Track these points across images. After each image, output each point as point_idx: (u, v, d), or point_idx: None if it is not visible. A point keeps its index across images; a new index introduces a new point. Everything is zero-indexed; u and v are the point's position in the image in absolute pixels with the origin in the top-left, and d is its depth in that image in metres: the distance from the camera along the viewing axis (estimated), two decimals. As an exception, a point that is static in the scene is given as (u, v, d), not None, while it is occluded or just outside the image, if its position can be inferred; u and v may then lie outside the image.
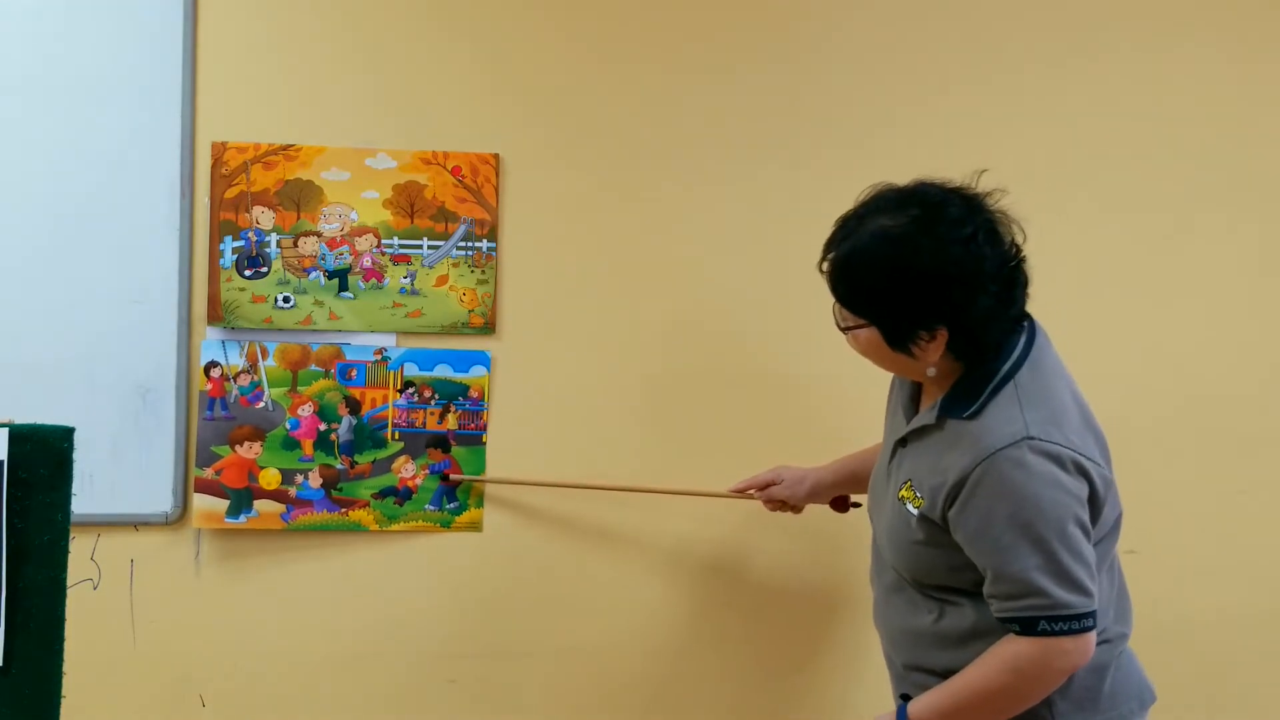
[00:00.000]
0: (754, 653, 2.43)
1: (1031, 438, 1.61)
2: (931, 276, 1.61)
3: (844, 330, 1.73)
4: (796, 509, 2.21)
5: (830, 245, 1.69)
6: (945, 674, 1.74)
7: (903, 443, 1.79)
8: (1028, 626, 1.63)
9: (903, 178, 1.71)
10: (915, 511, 1.72)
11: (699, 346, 2.40)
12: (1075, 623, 1.62)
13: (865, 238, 1.65)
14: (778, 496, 2.19)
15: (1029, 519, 1.60)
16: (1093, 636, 1.65)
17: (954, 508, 1.65)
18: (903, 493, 1.75)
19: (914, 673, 1.82)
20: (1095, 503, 1.66)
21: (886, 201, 1.68)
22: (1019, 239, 1.68)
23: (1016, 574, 1.62)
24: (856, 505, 2.20)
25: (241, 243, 2.31)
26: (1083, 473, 1.64)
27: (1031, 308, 1.70)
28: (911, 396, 1.81)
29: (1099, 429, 1.73)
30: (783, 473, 2.20)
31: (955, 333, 1.65)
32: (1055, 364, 1.75)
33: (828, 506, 2.22)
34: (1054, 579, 1.61)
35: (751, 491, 2.22)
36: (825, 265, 1.70)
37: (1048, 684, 1.66)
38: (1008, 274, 1.66)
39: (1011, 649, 1.65)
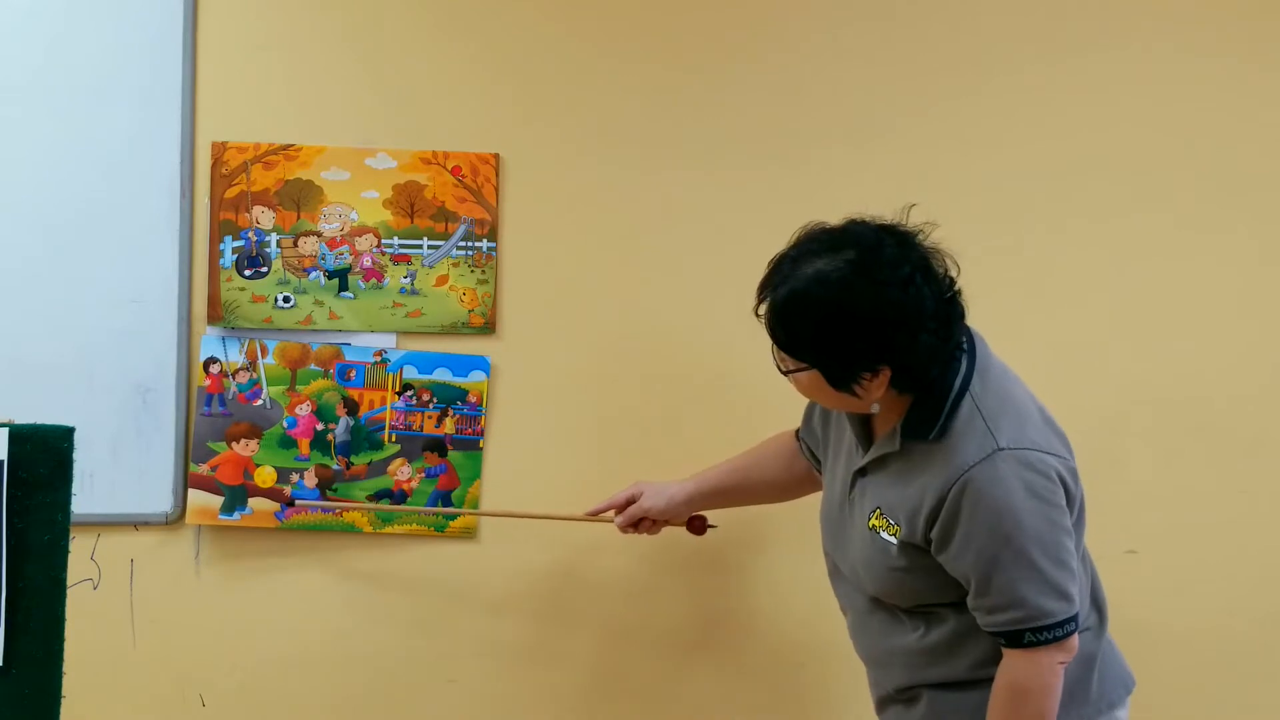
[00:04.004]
0: (751, 654, 2.42)
1: (1002, 448, 1.62)
2: (871, 320, 1.61)
3: (784, 374, 1.71)
4: (653, 529, 2.13)
5: (765, 289, 1.68)
6: (941, 686, 1.75)
7: (862, 472, 1.78)
8: (1013, 639, 1.64)
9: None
10: (894, 540, 1.71)
11: (700, 347, 2.39)
12: (1059, 629, 1.64)
13: (801, 282, 1.63)
14: (636, 514, 2.08)
15: (1009, 532, 1.61)
16: (1076, 637, 1.67)
17: (935, 528, 1.66)
18: (873, 521, 1.74)
19: (904, 691, 1.81)
20: (1070, 499, 1.68)
21: (820, 244, 1.66)
22: (953, 272, 1.67)
23: (1001, 587, 1.63)
24: (713, 527, 2.14)
25: (241, 242, 2.31)
26: (1056, 473, 1.65)
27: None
28: (864, 424, 1.79)
29: (1053, 419, 1.74)
30: (642, 487, 2.11)
31: (898, 370, 1.64)
32: (1000, 365, 1.75)
33: (685, 529, 2.14)
34: (1038, 589, 1.62)
35: (611, 514, 2.13)
36: (761, 309, 1.68)
37: (1052, 689, 1.67)
38: (945, 310, 1.65)
39: (1007, 677, 1.67)
